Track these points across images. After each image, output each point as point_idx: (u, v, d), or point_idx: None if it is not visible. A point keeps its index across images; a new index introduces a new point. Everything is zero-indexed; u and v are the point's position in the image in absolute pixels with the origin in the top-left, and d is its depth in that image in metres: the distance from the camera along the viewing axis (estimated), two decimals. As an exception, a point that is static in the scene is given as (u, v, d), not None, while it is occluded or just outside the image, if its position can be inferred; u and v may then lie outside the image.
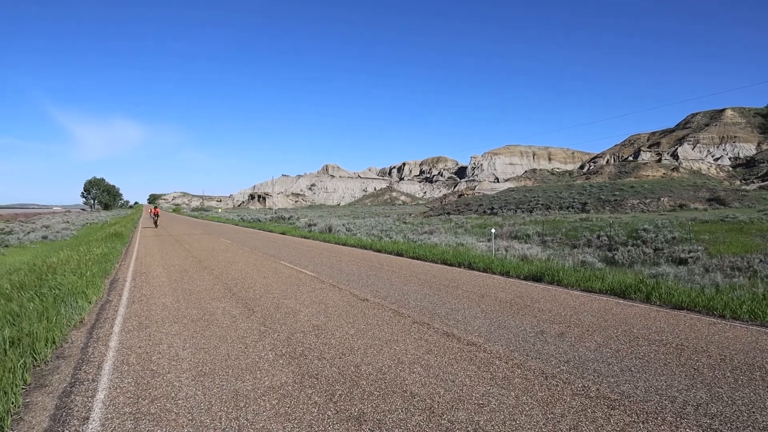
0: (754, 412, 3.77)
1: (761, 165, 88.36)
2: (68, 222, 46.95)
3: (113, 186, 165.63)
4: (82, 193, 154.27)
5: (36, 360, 5.26)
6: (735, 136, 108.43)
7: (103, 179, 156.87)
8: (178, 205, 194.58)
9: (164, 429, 3.68)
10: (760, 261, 13.10)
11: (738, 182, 79.05)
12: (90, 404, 4.18)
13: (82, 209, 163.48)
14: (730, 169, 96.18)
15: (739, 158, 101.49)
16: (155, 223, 41.06)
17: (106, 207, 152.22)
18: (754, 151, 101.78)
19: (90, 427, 3.76)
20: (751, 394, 4.11)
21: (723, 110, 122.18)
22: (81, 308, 7.65)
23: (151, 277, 11.72)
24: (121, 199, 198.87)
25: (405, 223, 38.32)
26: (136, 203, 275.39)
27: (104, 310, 8.08)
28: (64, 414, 4.02)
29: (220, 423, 3.75)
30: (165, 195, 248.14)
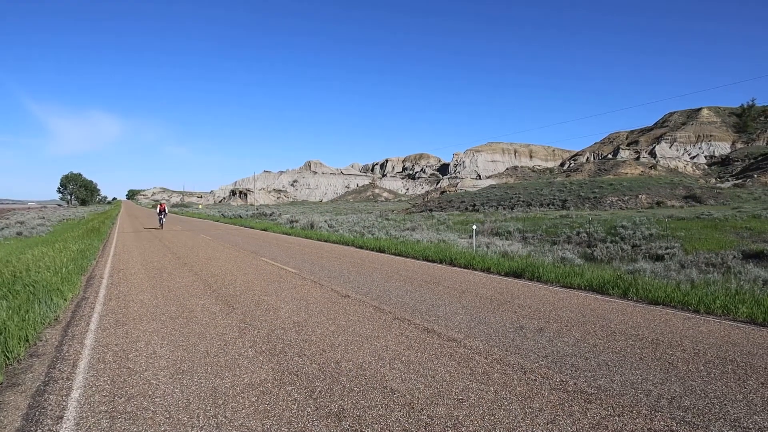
0: (725, 404, 3.86)
1: (735, 163, 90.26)
2: (44, 218, 45.90)
3: (91, 181, 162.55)
4: (59, 188, 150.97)
5: (8, 359, 5.14)
6: (711, 135, 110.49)
7: (80, 174, 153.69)
8: (157, 201, 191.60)
9: (141, 427, 3.63)
10: (734, 257, 13.42)
11: (713, 180, 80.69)
12: (64, 403, 4.10)
13: (59, 205, 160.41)
14: (706, 167, 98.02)
15: (715, 157, 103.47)
16: (160, 222, 31.54)
17: (84, 203, 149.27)
18: (729, 150, 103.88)
19: (64, 426, 3.69)
20: (723, 387, 4.21)
21: (699, 109, 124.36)
22: (56, 306, 7.50)
23: (129, 274, 11.53)
24: (98, 195, 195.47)
25: (387, 219, 38.34)
26: (114, 199, 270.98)
27: (80, 307, 7.93)
28: (37, 413, 3.94)
29: (198, 421, 3.71)
30: (144, 191, 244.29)
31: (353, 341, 5.65)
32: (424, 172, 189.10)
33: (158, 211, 32.34)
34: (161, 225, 31.37)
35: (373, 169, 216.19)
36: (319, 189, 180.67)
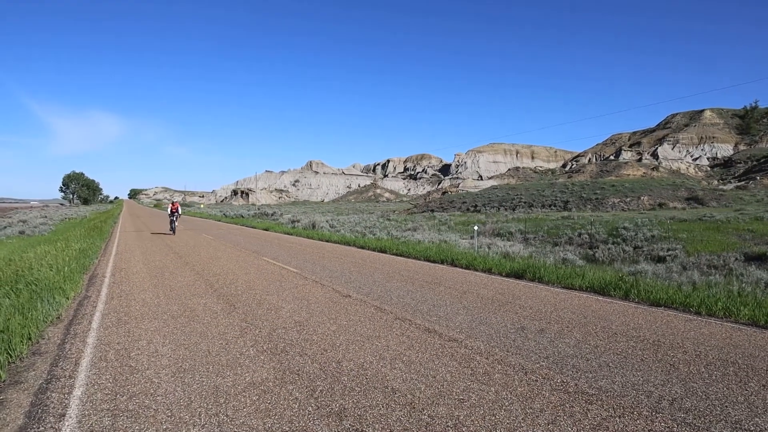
0: (726, 406, 3.86)
1: (738, 165, 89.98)
2: (46, 217, 46.02)
3: (93, 180, 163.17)
4: (61, 187, 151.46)
5: (11, 357, 5.15)
6: (713, 137, 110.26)
7: (82, 173, 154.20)
8: (159, 200, 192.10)
9: (142, 425, 3.64)
10: (736, 259, 13.40)
11: (716, 182, 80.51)
12: (66, 401, 4.12)
13: (61, 204, 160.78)
14: (708, 169, 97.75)
15: (717, 158, 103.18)
16: (172, 225, 25.11)
17: (86, 202, 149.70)
18: (732, 152, 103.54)
19: (66, 423, 3.70)
20: (725, 389, 4.20)
21: (702, 111, 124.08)
22: (58, 304, 7.52)
23: (131, 273, 11.56)
24: (101, 194, 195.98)
25: (389, 220, 38.32)
26: (116, 198, 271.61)
27: (82, 306, 7.95)
28: (39, 411, 3.95)
29: (200, 419, 3.72)
30: (146, 190, 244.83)
31: (354, 341, 5.65)
32: (425, 172, 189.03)
33: (169, 211, 25.98)
34: (173, 230, 24.93)
35: (374, 170, 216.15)
36: (321, 189, 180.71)
